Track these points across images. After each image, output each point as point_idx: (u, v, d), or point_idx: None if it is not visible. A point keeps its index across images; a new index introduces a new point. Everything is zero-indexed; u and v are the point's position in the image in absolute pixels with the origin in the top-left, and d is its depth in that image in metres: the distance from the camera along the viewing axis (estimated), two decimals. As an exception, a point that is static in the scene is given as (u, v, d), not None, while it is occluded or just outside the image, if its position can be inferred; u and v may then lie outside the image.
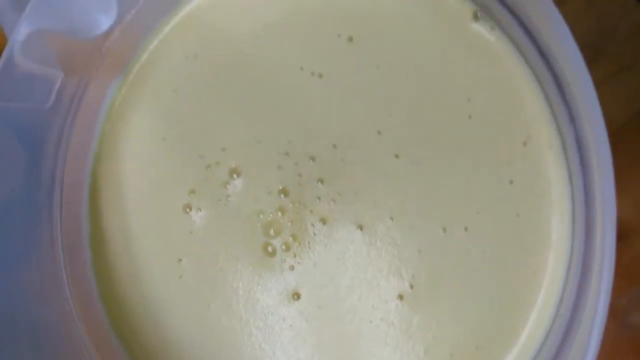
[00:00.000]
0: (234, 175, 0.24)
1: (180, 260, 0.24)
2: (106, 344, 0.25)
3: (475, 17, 0.21)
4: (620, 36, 0.31)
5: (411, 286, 0.21)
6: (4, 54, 0.22)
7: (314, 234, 0.22)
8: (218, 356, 0.24)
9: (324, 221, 0.22)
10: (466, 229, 0.20)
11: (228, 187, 0.24)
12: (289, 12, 0.24)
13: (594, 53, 0.33)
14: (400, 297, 0.21)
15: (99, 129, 0.26)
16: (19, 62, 0.22)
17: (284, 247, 0.23)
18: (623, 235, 0.32)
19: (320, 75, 0.23)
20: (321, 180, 0.22)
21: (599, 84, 0.32)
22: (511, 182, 0.20)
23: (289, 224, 0.23)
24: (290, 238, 0.23)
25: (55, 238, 0.25)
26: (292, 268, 0.22)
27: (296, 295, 0.22)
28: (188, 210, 0.24)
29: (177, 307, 0.24)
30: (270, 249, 0.23)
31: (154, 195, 0.25)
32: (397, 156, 0.22)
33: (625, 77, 0.33)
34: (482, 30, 0.21)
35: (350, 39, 0.23)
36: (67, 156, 0.25)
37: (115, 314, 0.25)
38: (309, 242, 0.22)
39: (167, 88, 0.25)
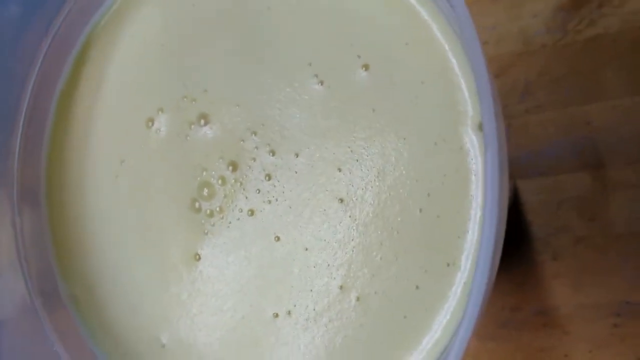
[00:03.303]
0: (202, 121, 0.24)
1: (123, 161, 0.25)
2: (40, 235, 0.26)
3: (480, 129, 0.19)
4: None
5: (288, 312, 0.22)
6: None
7: (238, 219, 0.23)
8: (123, 256, 0.25)
9: (251, 212, 0.23)
10: (358, 299, 0.21)
11: (192, 127, 0.24)
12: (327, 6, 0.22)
13: None
14: (276, 314, 0.22)
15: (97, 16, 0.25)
16: None
17: (208, 212, 0.23)
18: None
19: (322, 82, 0.22)
20: (268, 177, 0.22)
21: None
22: (417, 287, 0.20)
23: (223, 195, 0.23)
24: (218, 208, 0.23)
25: (18, 123, 0.25)
26: (205, 233, 0.23)
27: (197, 256, 0.24)
28: (150, 124, 0.24)
29: (105, 199, 0.25)
30: (197, 205, 0.23)
31: (127, 95, 0.25)
32: (341, 200, 0.21)
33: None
34: (478, 145, 0.19)
35: (367, 67, 0.21)
36: (54, 39, 0.25)
37: (54, 183, 0.26)
38: (230, 222, 0.23)
39: (186, -3, 0.24)
